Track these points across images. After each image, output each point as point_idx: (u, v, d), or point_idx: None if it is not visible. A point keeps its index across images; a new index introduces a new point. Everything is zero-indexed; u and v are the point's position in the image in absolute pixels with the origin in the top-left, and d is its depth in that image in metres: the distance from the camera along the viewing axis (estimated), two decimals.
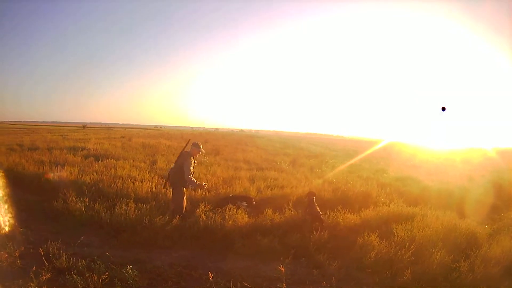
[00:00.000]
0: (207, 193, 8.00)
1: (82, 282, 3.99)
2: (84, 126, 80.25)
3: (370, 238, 5.63)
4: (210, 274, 4.27)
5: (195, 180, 6.52)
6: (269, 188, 9.01)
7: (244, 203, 7.16)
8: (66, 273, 4.22)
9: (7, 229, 5.39)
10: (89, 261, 4.52)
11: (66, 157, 12.62)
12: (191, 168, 6.39)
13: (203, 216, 6.26)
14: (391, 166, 17.96)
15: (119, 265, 4.49)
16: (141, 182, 8.43)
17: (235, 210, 6.59)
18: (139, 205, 6.63)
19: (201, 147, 6.74)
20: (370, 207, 7.62)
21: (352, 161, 18.50)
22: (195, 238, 5.91)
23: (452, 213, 7.55)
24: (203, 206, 6.73)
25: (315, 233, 5.90)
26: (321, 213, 6.63)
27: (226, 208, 6.58)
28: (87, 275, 4.12)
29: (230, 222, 6.18)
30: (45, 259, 4.37)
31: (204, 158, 14.39)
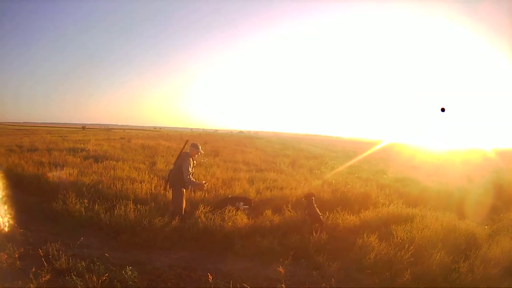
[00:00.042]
0: (206, 194, 8.01)
1: (82, 283, 3.98)
2: (83, 127, 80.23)
3: (369, 239, 5.63)
4: (209, 276, 4.27)
5: (194, 180, 6.52)
6: (269, 190, 9.00)
7: (242, 204, 7.16)
8: (66, 274, 4.21)
9: (6, 229, 5.38)
10: (89, 262, 4.51)
11: (66, 158, 12.59)
12: (190, 169, 6.39)
13: (203, 218, 6.26)
14: (390, 167, 17.97)
15: (118, 266, 4.48)
16: (141, 183, 8.42)
17: (234, 212, 6.59)
18: (139, 206, 6.62)
19: (200, 147, 6.73)
20: (370, 208, 7.63)
21: (351, 162, 18.52)
22: (195, 240, 5.91)
23: (451, 214, 7.56)
24: (202, 208, 6.73)
25: (314, 235, 5.90)
26: (320, 214, 6.63)
27: (226, 209, 6.58)
28: (87, 276, 4.12)
29: (230, 224, 6.17)
30: (44, 260, 4.37)
31: (204, 160, 14.39)
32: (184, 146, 6.75)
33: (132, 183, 8.35)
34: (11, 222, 5.65)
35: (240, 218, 6.42)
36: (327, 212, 7.01)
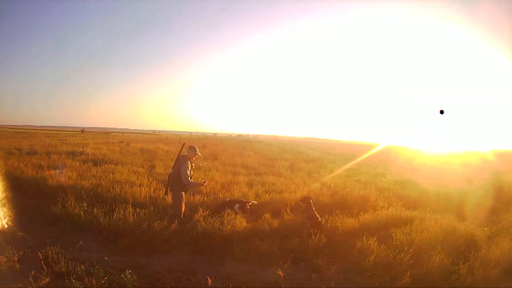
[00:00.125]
0: (205, 198, 8.01)
1: (81, 286, 3.99)
2: (82, 130, 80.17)
3: (369, 242, 5.63)
4: (208, 279, 4.27)
5: (193, 181, 6.53)
6: (267, 193, 8.99)
7: (238, 206, 7.15)
8: (65, 277, 4.21)
9: (6, 232, 5.39)
10: (88, 265, 4.50)
11: (65, 162, 12.62)
12: (188, 172, 6.39)
13: (202, 221, 6.25)
14: (389, 169, 17.97)
15: (117, 270, 4.48)
16: (140, 187, 8.41)
17: (233, 215, 6.59)
18: (138, 210, 6.62)
19: (197, 150, 6.72)
20: (369, 211, 7.61)
21: (350, 165, 18.52)
22: (194, 243, 5.89)
23: (451, 216, 7.54)
24: (201, 211, 6.73)
25: (313, 238, 5.89)
26: (319, 217, 6.64)
27: (225, 213, 6.57)
28: (86, 279, 4.12)
29: (229, 227, 6.17)
30: (44, 263, 4.37)
31: (202, 163, 14.39)
32: (181, 149, 6.75)
33: (131, 187, 8.34)
34: (10, 224, 5.65)
35: (239, 222, 6.42)
36: (326, 215, 6.99)
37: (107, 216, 6.41)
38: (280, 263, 4.90)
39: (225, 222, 6.29)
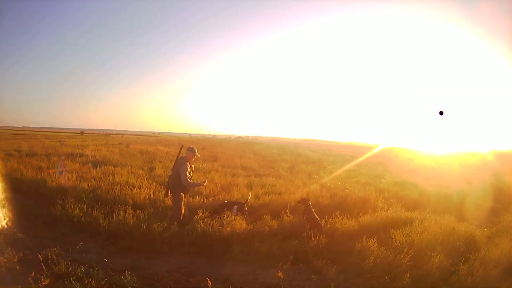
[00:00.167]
0: (205, 199, 8.01)
1: None
2: (82, 132, 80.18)
3: (368, 243, 5.63)
4: (208, 280, 4.27)
5: (193, 182, 6.54)
6: (267, 194, 8.99)
7: (236, 207, 7.15)
8: (65, 279, 4.20)
9: (6, 233, 5.39)
10: (88, 267, 4.50)
11: (64, 163, 12.61)
12: (187, 173, 6.39)
13: (201, 223, 6.24)
14: (389, 171, 18.00)
15: (117, 272, 4.48)
16: (139, 188, 8.41)
17: (233, 217, 6.59)
18: (137, 211, 6.62)
19: (196, 151, 6.71)
20: (369, 213, 7.61)
21: (350, 167, 18.53)
22: (194, 245, 5.89)
23: (450, 217, 7.56)
24: (201, 213, 6.73)
25: (313, 239, 5.89)
26: (318, 218, 6.65)
27: (224, 214, 6.57)
28: (86, 281, 4.13)
29: (228, 229, 6.16)
30: (44, 265, 4.37)
31: (202, 165, 14.39)
32: (180, 151, 6.75)
33: (131, 189, 8.33)
34: (10, 225, 5.65)
35: (239, 223, 6.41)
36: (326, 217, 7.00)
37: (106, 218, 6.40)
38: (280, 264, 4.90)
39: (225, 223, 6.28)
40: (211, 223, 6.24)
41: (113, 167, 12.15)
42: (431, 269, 4.99)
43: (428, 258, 5.20)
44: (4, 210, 6.03)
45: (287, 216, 6.95)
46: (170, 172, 6.72)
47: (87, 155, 16.41)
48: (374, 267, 5.10)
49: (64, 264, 4.51)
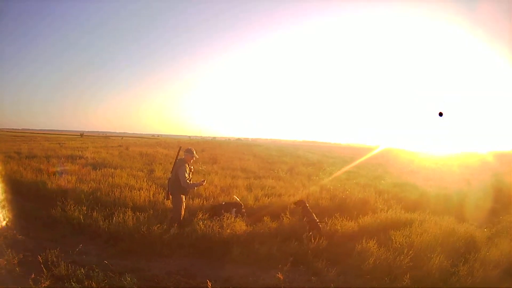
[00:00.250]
0: (204, 201, 8.02)
1: None
2: (81, 134, 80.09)
3: (368, 244, 5.63)
4: (208, 282, 4.26)
5: (192, 182, 6.54)
6: (267, 196, 8.99)
7: (235, 210, 7.14)
8: (65, 281, 4.21)
9: (6, 234, 5.38)
10: (88, 269, 4.50)
11: (64, 165, 12.61)
12: (186, 174, 6.39)
13: (201, 225, 6.24)
14: (388, 172, 18.01)
15: (117, 273, 4.50)
16: (139, 191, 8.40)
17: (232, 219, 6.58)
18: (137, 213, 6.62)
19: (194, 152, 6.72)
20: (368, 214, 7.60)
21: (349, 168, 18.54)
22: (193, 247, 5.89)
23: (450, 217, 7.56)
24: (201, 215, 6.73)
25: (313, 241, 5.89)
26: (317, 220, 6.65)
27: (224, 216, 6.56)
28: (86, 283, 4.13)
29: (228, 231, 6.16)
30: (44, 266, 4.36)
31: (202, 167, 14.40)
32: (178, 153, 6.75)
33: (131, 191, 8.34)
34: (10, 225, 5.65)
35: (239, 225, 6.41)
36: (326, 218, 7.00)
37: (106, 220, 6.41)
38: (280, 266, 4.88)
39: (225, 225, 6.28)
40: (211, 225, 6.24)
41: (112, 169, 12.16)
42: (431, 270, 4.99)
43: (428, 259, 5.19)
44: (4, 211, 6.04)
45: (287, 218, 6.96)
46: (169, 175, 6.72)
47: (87, 157, 16.43)
48: (374, 269, 5.10)
49: (64, 266, 4.51)
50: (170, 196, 6.57)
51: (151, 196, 8.16)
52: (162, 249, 5.73)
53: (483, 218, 8.28)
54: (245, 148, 43.99)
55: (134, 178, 10.51)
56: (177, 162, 6.55)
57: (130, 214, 6.52)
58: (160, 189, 8.81)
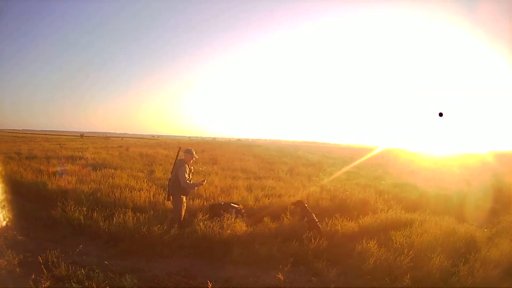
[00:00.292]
0: (205, 202, 8.02)
1: None
2: (81, 135, 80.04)
3: (368, 245, 5.63)
4: (209, 283, 4.26)
5: (192, 183, 6.54)
6: (267, 197, 8.99)
7: (234, 210, 7.14)
8: (65, 281, 4.21)
9: (6, 235, 5.39)
10: (88, 269, 4.50)
11: (64, 166, 12.62)
12: (186, 175, 6.39)
13: (201, 225, 6.25)
14: (388, 172, 18.03)
15: (118, 274, 4.50)
16: (139, 191, 8.40)
17: (233, 219, 6.59)
18: (137, 214, 6.61)
19: (194, 152, 6.72)
20: (369, 214, 7.61)
21: (349, 169, 18.55)
22: (194, 247, 5.89)
23: (450, 218, 7.57)
24: (201, 215, 6.73)
25: (313, 241, 5.89)
26: (317, 220, 6.65)
27: (224, 217, 6.56)
28: (86, 283, 4.13)
29: (228, 231, 6.16)
30: (44, 267, 4.36)
31: (202, 168, 14.40)
32: (177, 154, 6.75)
33: (131, 191, 8.33)
34: (10, 226, 5.65)
35: (239, 226, 6.41)
36: (326, 219, 7.01)
37: (107, 221, 6.41)
38: (280, 266, 4.90)
39: (225, 226, 6.28)
40: (211, 225, 6.24)
41: (113, 170, 12.15)
42: (431, 270, 4.99)
43: (429, 259, 5.20)
44: (4, 211, 6.04)
45: (287, 218, 6.96)
46: (170, 176, 6.72)
47: (87, 158, 16.45)
48: (375, 269, 5.10)
49: (64, 266, 4.51)
50: (171, 197, 6.57)
51: (151, 197, 8.15)
52: (162, 250, 5.73)
53: (483, 218, 8.29)
54: (245, 148, 44.03)
55: (134, 179, 10.51)
56: (177, 162, 6.55)
57: (130, 214, 6.51)
58: (161, 190, 8.80)
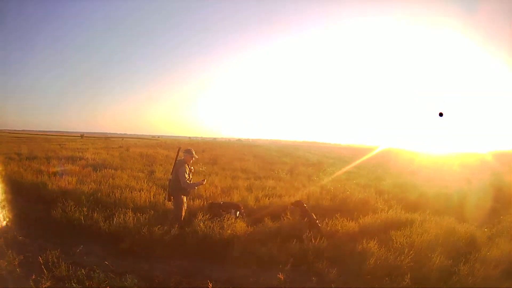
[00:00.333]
0: (205, 202, 8.01)
1: None
2: (82, 135, 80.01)
3: (369, 245, 5.63)
4: (209, 283, 4.26)
5: (192, 182, 6.54)
6: (267, 197, 8.99)
7: (234, 211, 7.14)
8: (66, 281, 4.22)
9: (6, 236, 5.39)
10: (89, 270, 4.51)
11: (65, 166, 12.62)
12: (186, 175, 6.39)
13: (202, 225, 6.25)
14: (388, 172, 18.03)
15: (118, 274, 4.50)
16: (139, 192, 8.40)
17: (233, 219, 6.59)
18: (138, 214, 6.61)
19: (194, 152, 6.72)
20: (369, 214, 7.60)
21: (349, 168, 18.55)
22: (194, 247, 5.90)
23: (451, 217, 7.56)
24: (201, 216, 6.73)
25: (313, 241, 5.89)
26: (316, 219, 6.65)
27: (225, 217, 6.57)
28: (87, 283, 4.14)
29: (229, 231, 6.16)
30: (44, 267, 4.37)
31: (202, 168, 14.40)
32: (177, 154, 6.75)
33: (131, 192, 8.33)
34: (10, 226, 5.65)
35: (239, 226, 6.42)
36: (326, 219, 7.01)
37: (107, 221, 6.41)
38: (281, 266, 4.91)
39: (225, 226, 6.28)
40: (212, 225, 6.24)
41: (113, 170, 12.17)
42: (431, 270, 4.99)
43: (429, 259, 5.20)
44: (4, 211, 6.04)
45: (288, 218, 6.95)
46: (170, 176, 6.72)
47: (87, 158, 16.45)
48: (375, 269, 5.10)
49: (64, 266, 4.51)
50: (171, 197, 6.57)
51: (152, 197, 8.16)
52: (163, 250, 5.73)
53: (483, 218, 8.27)
54: (245, 148, 44.05)
55: (135, 179, 10.52)
56: (177, 163, 6.55)
57: (130, 215, 6.52)
58: (161, 190, 8.80)
